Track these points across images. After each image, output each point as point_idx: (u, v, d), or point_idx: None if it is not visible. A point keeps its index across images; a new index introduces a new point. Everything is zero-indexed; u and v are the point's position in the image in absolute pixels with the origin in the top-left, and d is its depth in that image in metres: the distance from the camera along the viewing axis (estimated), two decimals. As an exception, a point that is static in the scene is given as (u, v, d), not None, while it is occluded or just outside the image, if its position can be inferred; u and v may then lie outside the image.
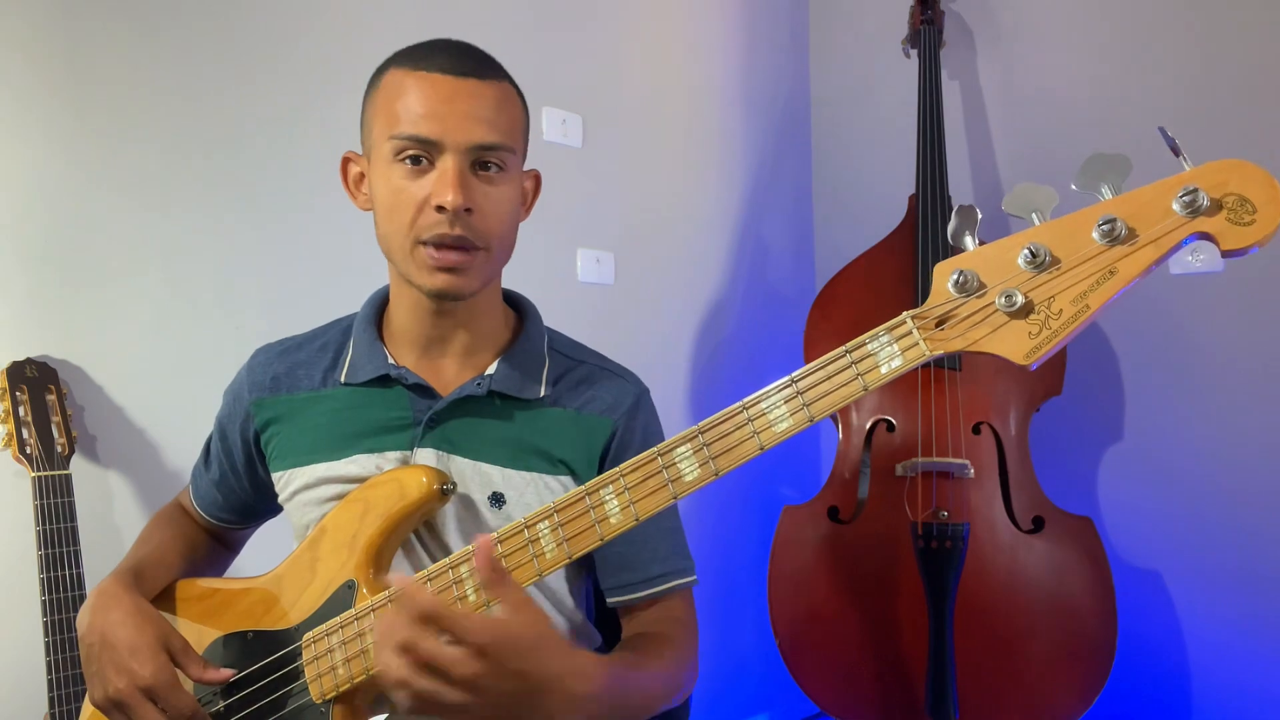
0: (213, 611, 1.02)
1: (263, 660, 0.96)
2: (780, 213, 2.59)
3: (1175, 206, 0.62)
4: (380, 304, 1.08)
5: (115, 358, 1.50)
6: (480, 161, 0.94)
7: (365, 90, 0.99)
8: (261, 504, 1.14)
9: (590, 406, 1.04)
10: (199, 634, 1.01)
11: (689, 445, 0.77)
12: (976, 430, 1.90)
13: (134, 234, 1.51)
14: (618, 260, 2.17)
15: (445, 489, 0.95)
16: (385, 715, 0.94)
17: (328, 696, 0.91)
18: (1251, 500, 1.95)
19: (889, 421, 1.97)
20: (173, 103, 1.55)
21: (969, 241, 0.68)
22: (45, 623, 1.30)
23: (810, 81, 2.70)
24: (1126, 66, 2.13)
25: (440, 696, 0.72)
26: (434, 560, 0.97)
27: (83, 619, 0.96)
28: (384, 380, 1.02)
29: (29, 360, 1.40)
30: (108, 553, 1.41)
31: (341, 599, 0.93)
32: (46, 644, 1.29)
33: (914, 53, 2.24)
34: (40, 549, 1.31)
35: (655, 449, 0.79)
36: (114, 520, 1.49)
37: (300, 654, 0.93)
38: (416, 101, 0.92)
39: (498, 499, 0.99)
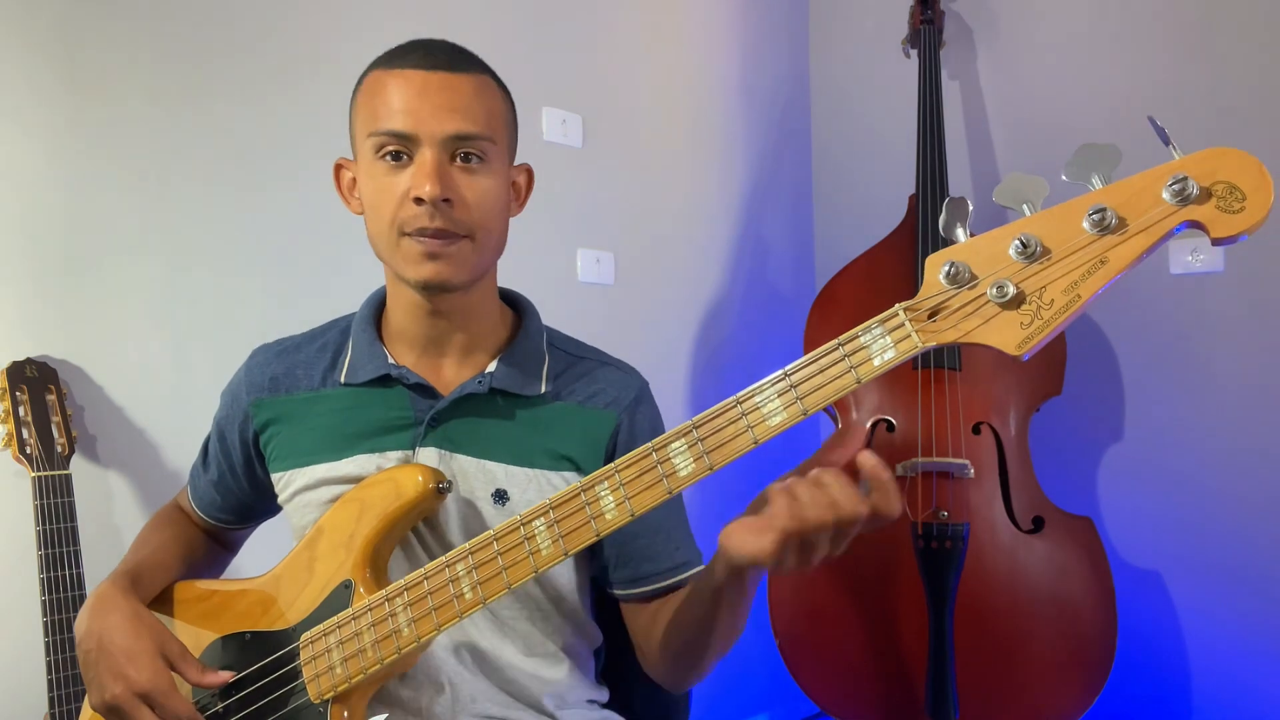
0: (211, 613, 1.02)
1: (261, 661, 0.96)
2: (780, 213, 2.59)
3: (1165, 195, 0.62)
4: (378, 304, 1.07)
5: (115, 358, 1.50)
6: (460, 153, 0.94)
7: (350, 96, 1.00)
8: (260, 504, 1.14)
9: (593, 400, 1.04)
10: (197, 636, 1.01)
11: (683, 440, 0.77)
12: (976, 430, 1.90)
13: (134, 234, 1.52)
14: (618, 260, 2.17)
15: (441, 487, 0.94)
16: (385, 715, 0.94)
17: (325, 696, 0.91)
18: (1251, 500, 1.95)
19: (889, 421, 1.97)
20: (173, 103, 1.56)
21: (960, 233, 0.68)
22: (45, 623, 1.30)
23: (810, 81, 2.70)
24: (1126, 66, 2.13)
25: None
26: (433, 559, 0.97)
27: (80, 623, 0.96)
28: (384, 380, 1.02)
29: (29, 360, 1.40)
30: (108, 553, 1.41)
31: (339, 599, 0.93)
32: (46, 644, 1.30)
33: (914, 53, 2.24)
34: (40, 549, 1.32)
35: (649, 444, 0.79)
36: (114, 520, 1.49)
37: (298, 654, 0.93)
38: (392, 98, 0.93)
39: (501, 496, 0.99)
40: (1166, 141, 0.61)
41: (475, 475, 0.99)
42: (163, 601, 1.05)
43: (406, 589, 0.87)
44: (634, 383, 1.07)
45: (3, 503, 1.39)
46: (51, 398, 1.39)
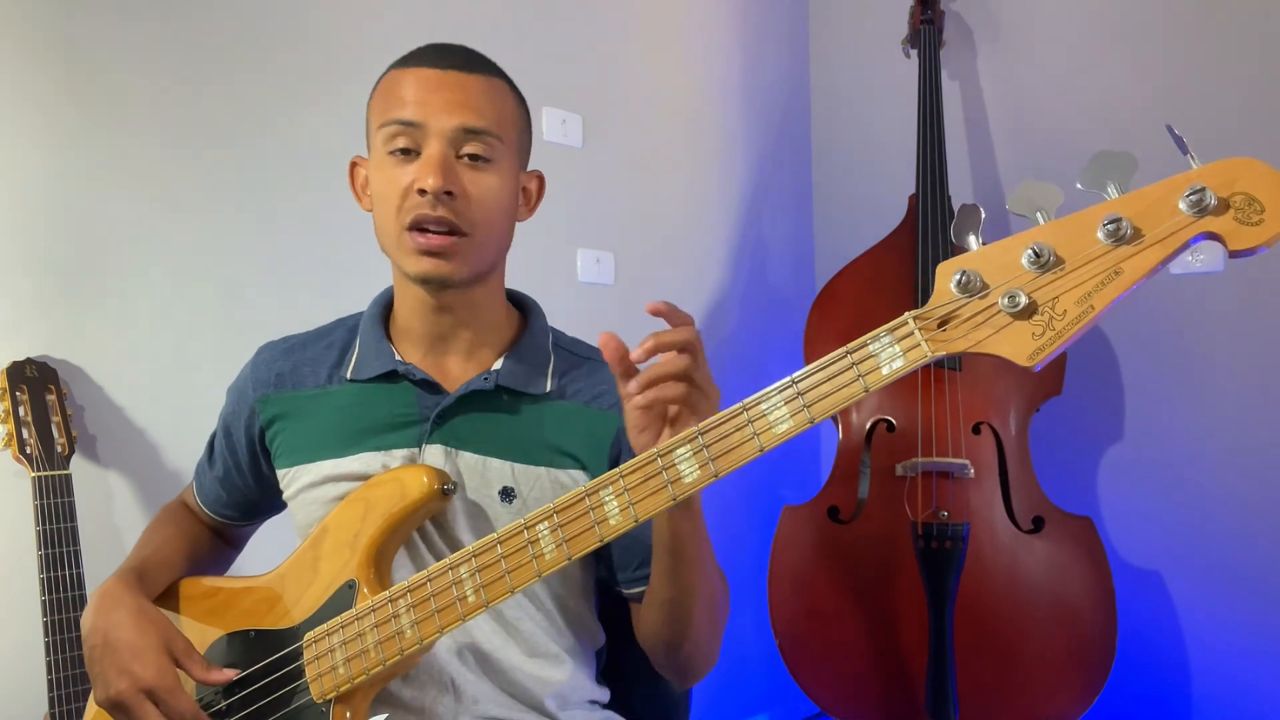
0: (215, 610, 1.02)
1: (264, 659, 0.96)
2: (780, 213, 2.59)
3: (1182, 206, 0.61)
4: (386, 303, 1.08)
5: (115, 358, 1.49)
6: (468, 151, 0.95)
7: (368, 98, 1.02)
8: (265, 501, 1.14)
9: (598, 401, 1.04)
10: (201, 633, 1.01)
11: (688, 446, 0.77)
12: (976, 430, 1.90)
13: (134, 234, 1.51)
14: (618, 260, 2.17)
15: (446, 489, 0.95)
16: (385, 715, 0.94)
17: (328, 696, 0.91)
18: (1251, 500, 1.95)
19: (889, 421, 1.97)
20: (173, 102, 1.55)
21: (972, 241, 0.68)
22: (45, 623, 1.30)
23: (810, 81, 2.70)
24: (1126, 65, 2.13)
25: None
26: (438, 559, 0.97)
27: (86, 619, 0.96)
28: (390, 376, 1.02)
29: (29, 360, 1.40)
30: (108, 553, 1.41)
31: (342, 599, 0.93)
32: (46, 644, 1.29)
33: (914, 53, 2.24)
34: (40, 549, 1.31)
35: (654, 450, 0.79)
36: (114, 520, 1.48)
37: (301, 653, 0.93)
38: (405, 91, 0.95)
39: (508, 494, 0.99)
40: (1184, 150, 0.60)
41: (481, 472, 0.99)
42: (168, 598, 1.05)
43: (410, 590, 0.87)
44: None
45: (3, 503, 1.39)
46: (51, 398, 1.39)
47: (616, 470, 0.80)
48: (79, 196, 1.47)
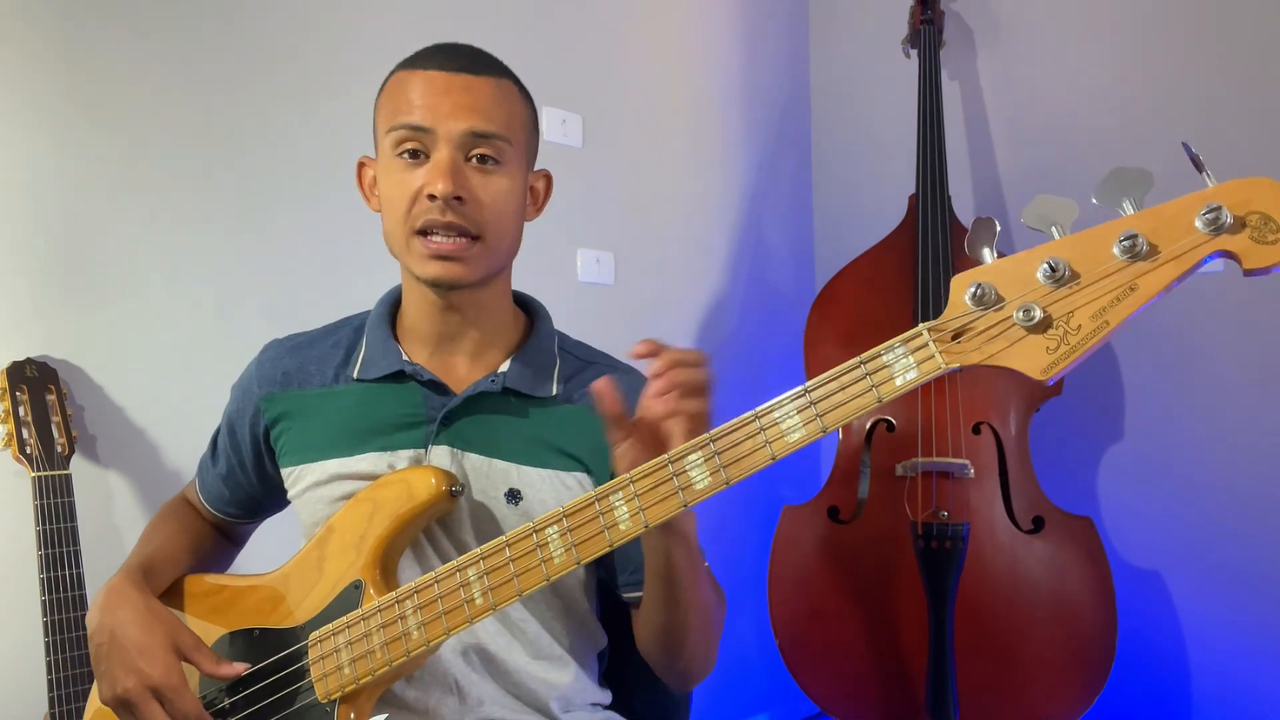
0: (219, 608, 1.02)
1: (268, 658, 0.96)
2: (780, 213, 2.59)
3: (1198, 224, 0.61)
4: (393, 303, 1.08)
5: (115, 358, 1.49)
6: (477, 154, 0.95)
7: (374, 98, 1.01)
8: (268, 499, 1.14)
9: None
10: (205, 631, 1.01)
11: (700, 453, 0.77)
12: (976, 430, 1.91)
13: (134, 234, 1.51)
14: (618, 260, 2.17)
15: (454, 490, 0.95)
16: (385, 715, 0.94)
17: (333, 696, 0.91)
18: (1251, 500, 1.96)
19: (889, 421, 1.98)
20: (173, 102, 1.54)
21: (987, 254, 0.68)
22: (45, 623, 1.29)
23: (810, 81, 2.70)
24: (1126, 66, 2.13)
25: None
26: (444, 560, 0.97)
27: (92, 617, 0.96)
28: (398, 376, 1.02)
29: (29, 360, 1.39)
30: (108, 553, 1.41)
31: (348, 599, 0.93)
32: (46, 644, 1.29)
33: (914, 53, 2.24)
34: (40, 549, 1.31)
35: (665, 456, 0.79)
36: (114, 520, 1.48)
37: (306, 653, 0.93)
38: (413, 95, 0.94)
39: (514, 495, 0.99)
40: (1200, 168, 0.60)
41: (487, 474, 0.99)
42: (172, 595, 1.05)
43: (417, 592, 0.88)
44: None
45: (3, 503, 1.38)
46: (51, 398, 1.38)
47: (627, 475, 0.80)
48: (79, 197, 1.46)
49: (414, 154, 0.94)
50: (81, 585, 1.32)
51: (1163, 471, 2.07)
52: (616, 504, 0.80)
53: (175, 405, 1.53)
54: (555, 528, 0.82)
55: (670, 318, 2.30)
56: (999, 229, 0.67)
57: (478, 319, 1.02)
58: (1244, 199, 0.60)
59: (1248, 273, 0.61)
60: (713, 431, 0.77)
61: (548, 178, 1.08)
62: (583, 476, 1.02)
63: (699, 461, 0.77)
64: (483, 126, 0.94)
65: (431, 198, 0.92)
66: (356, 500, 0.97)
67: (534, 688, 1.02)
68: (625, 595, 1.05)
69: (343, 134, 1.66)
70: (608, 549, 0.81)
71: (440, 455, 0.99)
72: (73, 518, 1.34)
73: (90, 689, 1.09)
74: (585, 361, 1.08)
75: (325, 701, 0.91)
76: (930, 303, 1.97)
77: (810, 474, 2.51)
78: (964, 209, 2.29)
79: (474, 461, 1.00)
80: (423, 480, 0.94)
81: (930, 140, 2.10)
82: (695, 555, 0.90)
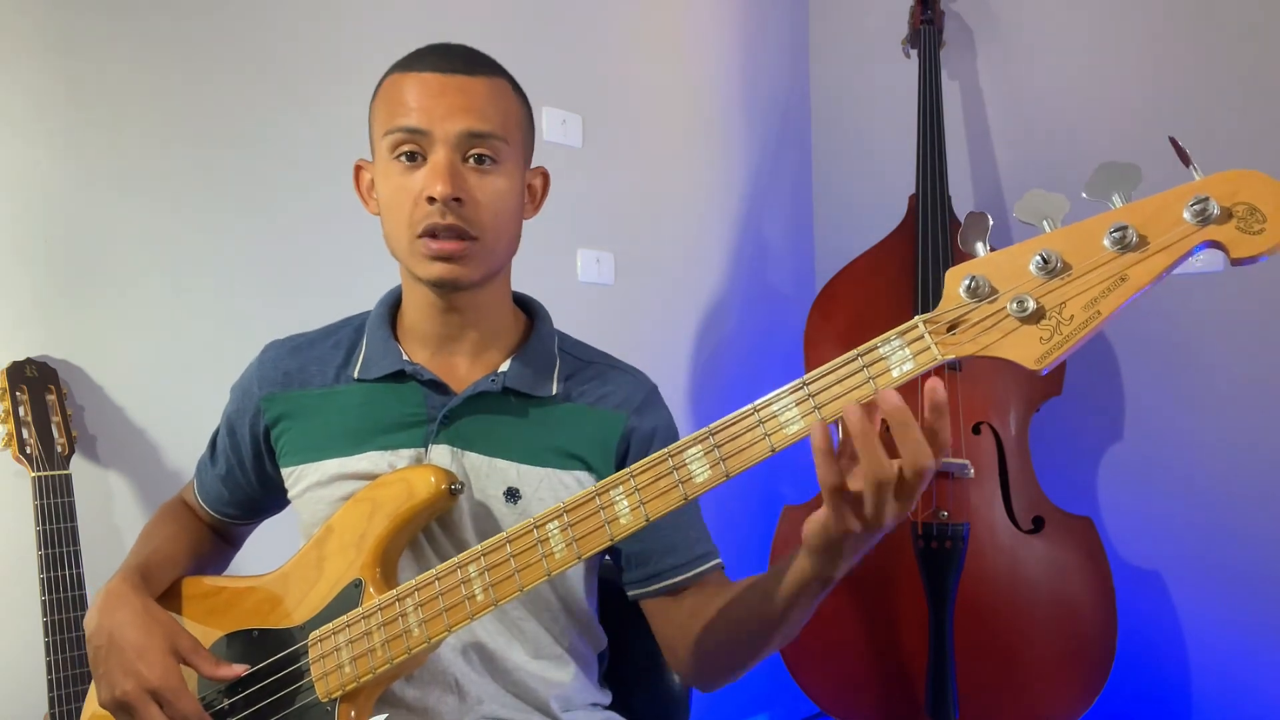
0: (218, 609, 1.02)
1: (268, 658, 0.96)
2: (780, 213, 2.59)
3: (1186, 215, 0.62)
4: (394, 303, 1.08)
5: (115, 358, 1.49)
6: (474, 154, 0.95)
7: (369, 100, 1.01)
8: (267, 499, 1.14)
9: (603, 402, 1.05)
10: (204, 632, 1.01)
11: (699, 446, 0.77)
12: (977, 430, 1.91)
13: (134, 234, 1.51)
14: (618, 260, 2.17)
15: (454, 489, 0.95)
16: (385, 715, 0.95)
17: (333, 695, 0.91)
18: (1251, 500, 1.96)
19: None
20: (173, 102, 1.55)
21: (980, 248, 0.69)
22: (45, 623, 1.29)
23: (810, 81, 2.70)
24: (1125, 65, 2.14)
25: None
26: (443, 559, 0.97)
27: (90, 619, 0.96)
28: (398, 376, 1.03)
29: (29, 360, 1.39)
30: (108, 553, 1.41)
31: (348, 598, 0.93)
32: (46, 644, 1.29)
33: (914, 53, 2.24)
34: (40, 549, 1.31)
35: (665, 450, 0.79)
36: (114, 520, 1.48)
37: (306, 652, 0.93)
38: (408, 97, 0.95)
39: (513, 494, 0.99)
40: (1187, 162, 0.61)
41: (487, 473, 1.00)
42: (170, 597, 1.05)
43: (417, 589, 0.88)
44: (644, 385, 1.08)
45: (3, 503, 1.39)
46: (51, 398, 1.38)
47: (627, 470, 0.80)
48: (79, 196, 1.46)
49: (411, 156, 0.95)
50: (81, 585, 1.32)
51: (1163, 471, 2.07)
52: (617, 498, 0.80)
53: (175, 405, 1.53)
54: (556, 523, 0.82)
55: (670, 318, 2.30)
56: (991, 223, 0.68)
57: (478, 319, 1.03)
58: (1231, 190, 0.61)
59: (1235, 262, 0.62)
60: (712, 425, 0.77)
61: (545, 175, 1.08)
62: (582, 475, 1.02)
63: (699, 455, 0.77)
64: (478, 126, 0.94)
65: (430, 200, 0.92)
66: (356, 499, 0.97)
67: (534, 687, 1.02)
68: (634, 593, 1.05)
69: (346, 134, 1.66)
70: (609, 543, 0.81)
71: (440, 454, 0.99)
72: (73, 518, 1.34)
73: (90, 689, 1.09)
74: (585, 361, 1.09)
75: (326, 700, 0.91)
76: (930, 302, 1.97)
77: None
78: (964, 209, 2.29)
79: (474, 460, 1.00)
80: (422, 479, 0.94)
81: (930, 140, 2.10)
82: (826, 586, 0.85)
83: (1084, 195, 0.65)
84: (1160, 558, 2.07)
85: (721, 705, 2.34)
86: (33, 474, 1.34)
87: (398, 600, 0.88)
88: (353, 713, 0.91)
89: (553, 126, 2.04)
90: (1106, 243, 0.64)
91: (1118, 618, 1.80)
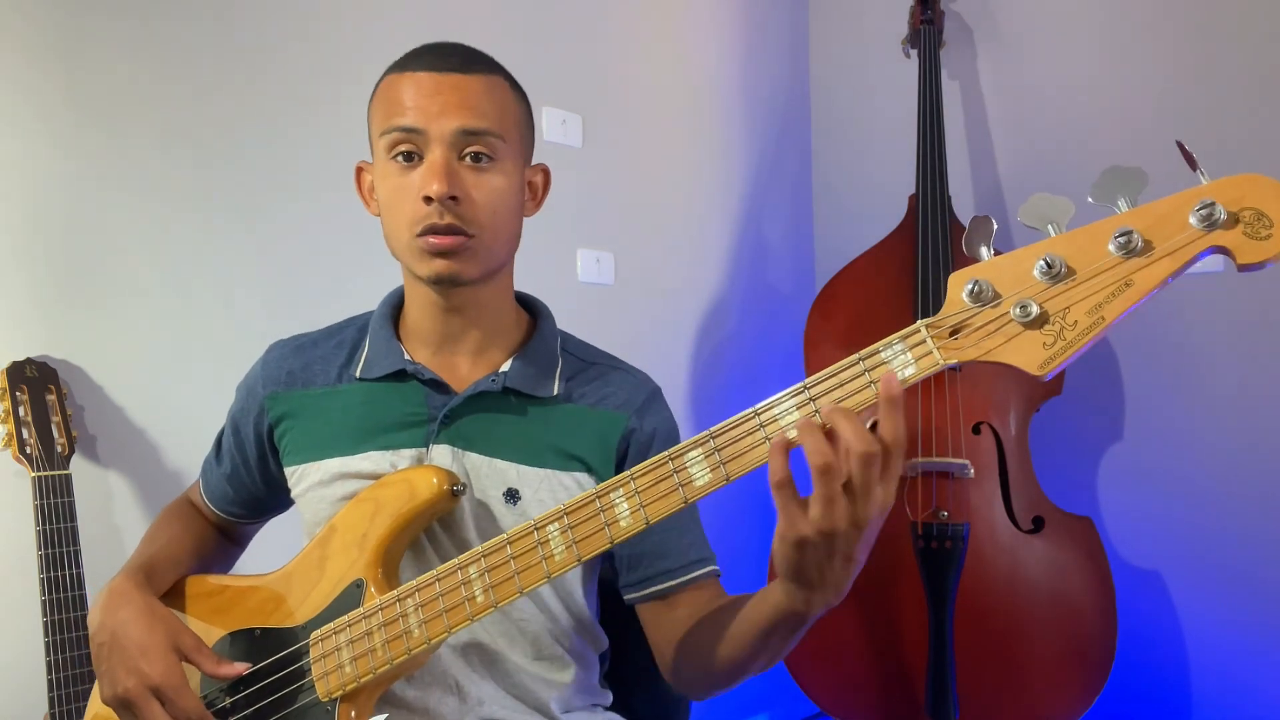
0: (221, 608, 1.03)
1: (270, 658, 0.96)
2: (780, 212, 2.59)
3: (1192, 220, 0.62)
4: (396, 303, 1.08)
5: (115, 358, 1.49)
6: (470, 152, 0.95)
7: (367, 102, 1.01)
8: (272, 499, 1.14)
9: (605, 403, 1.05)
10: (207, 631, 1.01)
11: (700, 449, 0.77)
12: (976, 430, 1.91)
13: (134, 234, 1.51)
14: (618, 260, 2.17)
15: (456, 490, 0.95)
16: (385, 715, 0.95)
17: (334, 695, 0.91)
18: (1251, 501, 1.96)
19: (889, 421, 1.97)
20: (174, 102, 1.55)
21: (984, 252, 0.68)
22: (45, 623, 1.29)
23: (810, 81, 2.70)
24: (1126, 66, 2.14)
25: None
26: (444, 559, 0.97)
27: (94, 617, 0.96)
28: (400, 375, 1.03)
29: (29, 360, 1.39)
30: (108, 553, 1.41)
31: (350, 598, 0.93)
32: (46, 644, 1.29)
33: (914, 53, 2.24)
34: (40, 549, 1.31)
35: (666, 453, 0.79)
36: (114, 520, 1.48)
37: (307, 652, 0.93)
38: (404, 97, 0.95)
39: (513, 495, 0.99)
40: (1194, 166, 0.61)
41: (487, 473, 1.00)
42: (174, 596, 1.05)
43: (418, 589, 0.88)
44: (646, 386, 1.08)
45: (3, 503, 1.38)
46: (51, 398, 1.38)
47: (628, 473, 0.80)
48: (79, 197, 1.46)
49: (408, 157, 0.95)
50: (81, 585, 1.32)
51: (1163, 472, 2.07)
52: (617, 501, 0.80)
53: (175, 405, 1.53)
54: (556, 525, 0.82)
55: (670, 318, 2.30)
56: (995, 227, 0.68)
57: (479, 318, 1.03)
58: (1237, 195, 0.61)
59: (1242, 268, 0.61)
60: (713, 428, 0.77)
61: (545, 172, 1.08)
62: (583, 476, 1.02)
63: (699, 458, 0.77)
64: (474, 124, 0.94)
65: (428, 200, 0.92)
66: (358, 499, 0.97)
67: (534, 688, 1.02)
68: (628, 597, 1.05)
69: (346, 134, 1.66)
70: (609, 545, 0.81)
71: (441, 454, 0.99)
72: (73, 518, 1.34)
73: (90, 689, 1.09)
74: (588, 362, 1.09)
75: (326, 700, 0.91)
76: (930, 302, 1.97)
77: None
78: (964, 209, 2.29)
79: (474, 461, 1.00)
80: (424, 479, 0.94)
81: (930, 140, 2.10)
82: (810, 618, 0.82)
83: (1089, 199, 0.65)
84: (1160, 558, 2.07)
85: (721, 705, 2.34)
86: (33, 474, 1.34)
87: (398, 601, 0.89)
88: (353, 713, 0.91)
89: (553, 126, 2.04)
90: (1111, 247, 0.64)
91: (1118, 618, 1.81)
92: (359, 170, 1.05)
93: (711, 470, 0.77)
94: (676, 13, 2.34)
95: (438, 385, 1.02)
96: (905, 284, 2.04)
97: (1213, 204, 0.61)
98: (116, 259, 1.49)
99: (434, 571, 0.87)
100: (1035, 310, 0.66)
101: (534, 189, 1.06)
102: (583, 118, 2.10)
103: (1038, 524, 1.88)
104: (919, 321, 0.70)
